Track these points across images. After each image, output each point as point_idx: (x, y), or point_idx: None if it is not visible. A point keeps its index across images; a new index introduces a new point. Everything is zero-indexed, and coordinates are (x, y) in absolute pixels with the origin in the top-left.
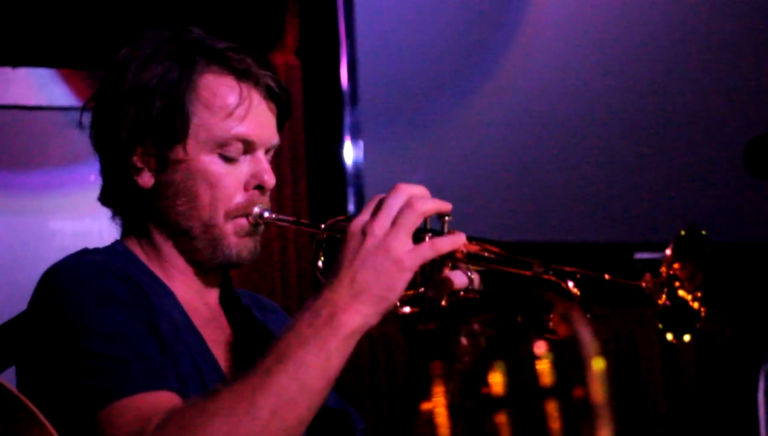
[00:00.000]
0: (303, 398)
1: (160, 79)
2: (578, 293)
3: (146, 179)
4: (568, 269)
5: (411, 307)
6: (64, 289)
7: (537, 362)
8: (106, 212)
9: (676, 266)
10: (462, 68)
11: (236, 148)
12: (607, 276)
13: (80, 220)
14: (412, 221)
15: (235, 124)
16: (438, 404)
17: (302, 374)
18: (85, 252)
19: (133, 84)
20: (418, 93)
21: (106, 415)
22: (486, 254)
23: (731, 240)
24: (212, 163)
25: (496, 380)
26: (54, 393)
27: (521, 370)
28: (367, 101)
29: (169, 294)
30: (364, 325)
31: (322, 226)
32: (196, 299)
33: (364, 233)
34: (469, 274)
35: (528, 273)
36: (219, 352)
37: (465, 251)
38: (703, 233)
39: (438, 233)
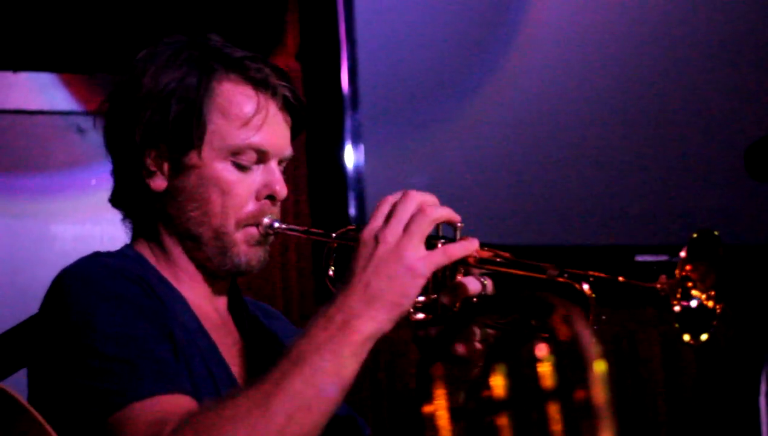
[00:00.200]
0: (318, 403)
1: (178, 83)
2: (593, 296)
3: (159, 183)
4: (582, 272)
5: (424, 313)
6: (77, 291)
7: (539, 364)
8: (106, 216)
9: (688, 267)
10: (462, 71)
11: (250, 157)
12: (621, 278)
13: (81, 224)
14: (424, 228)
15: (251, 133)
16: (439, 407)
17: (317, 380)
18: (97, 255)
19: (151, 87)
20: (419, 96)
21: (120, 418)
22: (499, 260)
23: (732, 242)
24: (225, 170)
25: (498, 383)
26: (67, 396)
27: (523, 372)
28: (368, 104)
29: (180, 299)
30: (378, 331)
31: (333, 235)
32: (206, 304)
33: (376, 240)
34: (483, 280)
35: (542, 276)
36: (230, 357)
37: (477, 256)
38: (716, 233)
39: (450, 239)
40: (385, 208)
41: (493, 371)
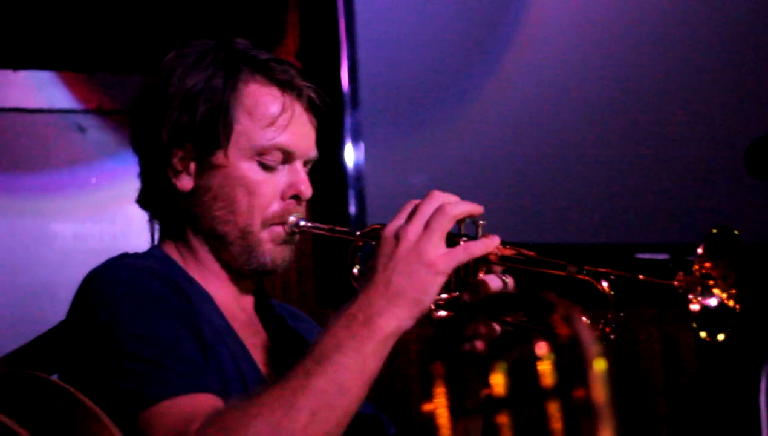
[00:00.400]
0: (341, 400)
1: (204, 84)
2: (612, 293)
3: (185, 183)
4: (601, 269)
5: (447, 311)
6: (105, 291)
7: (538, 362)
8: (107, 215)
9: (707, 264)
10: (463, 71)
11: (275, 157)
12: (641, 276)
13: (81, 223)
14: (445, 225)
15: (277, 133)
16: (439, 406)
17: (340, 377)
18: (124, 256)
19: (178, 88)
20: (419, 95)
21: (146, 417)
22: (520, 257)
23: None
24: (251, 170)
25: (498, 381)
26: (96, 396)
27: (522, 370)
28: (368, 103)
29: (208, 298)
30: (400, 328)
31: (358, 233)
32: (233, 303)
33: (397, 237)
34: (504, 277)
35: (562, 274)
36: (258, 356)
37: (499, 253)
38: (736, 232)
39: (473, 237)
40: (408, 208)
41: (493, 370)
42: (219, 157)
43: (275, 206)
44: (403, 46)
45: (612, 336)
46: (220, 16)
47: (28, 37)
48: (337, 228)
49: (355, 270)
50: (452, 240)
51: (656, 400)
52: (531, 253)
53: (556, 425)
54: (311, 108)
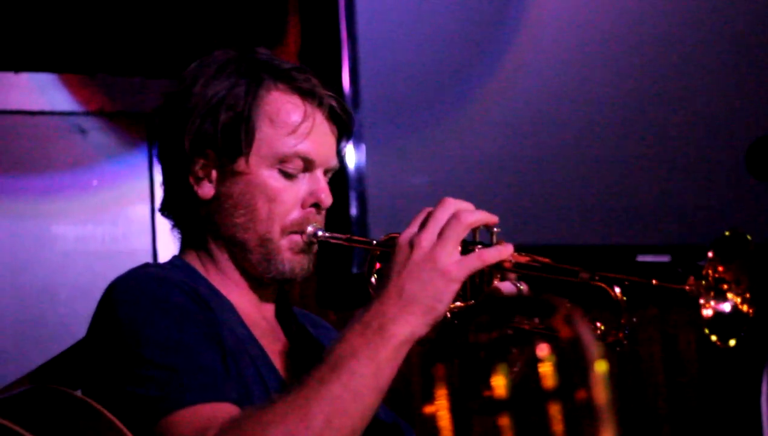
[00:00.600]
0: (355, 407)
1: (227, 92)
2: (624, 299)
3: (207, 190)
4: (614, 275)
5: (462, 318)
6: (125, 300)
7: (540, 364)
8: (108, 217)
9: (720, 268)
10: (463, 71)
11: (296, 165)
12: (655, 281)
13: (82, 225)
14: (459, 233)
15: (298, 141)
16: (441, 407)
17: (354, 384)
18: (146, 266)
19: (200, 97)
20: (421, 95)
21: (163, 425)
22: (534, 264)
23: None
24: (271, 177)
25: (499, 383)
26: (117, 404)
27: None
28: (369, 104)
29: (230, 306)
30: (413, 335)
31: (374, 242)
32: (255, 311)
33: (411, 245)
34: (519, 284)
35: (575, 280)
36: (279, 362)
37: (513, 261)
38: (749, 237)
39: (487, 244)
40: (422, 215)
41: (494, 372)
42: (240, 165)
43: (295, 214)
44: (404, 47)
45: (625, 342)
46: (222, 16)
47: (29, 39)
48: (355, 238)
49: (374, 279)
50: (467, 248)
51: (657, 400)
52: (545, 259)
53: (557, 426)
54: (333, 118)
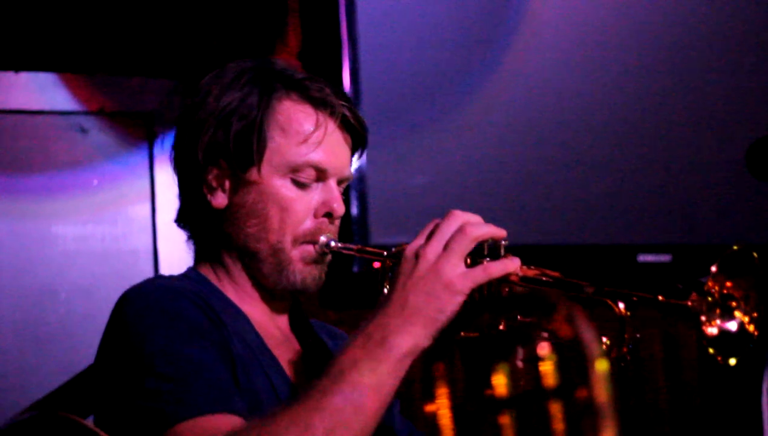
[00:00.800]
0: (357, 419)
1: (239, 102)
2: (628, 314)
3: (220, 200)
4: (620, 290)
5: (471, 332)
6: (135, 312)
7: (540, 363)
8: (108, 216)
9: (728, 284)
10: (463, 71)
11: (309, 174)
12: (661, 297)
13: (82, 224)
14: (465, 246)
15: (310, 150)
16: (441, 406)
17: (356, 396)
18: (159, 277)
19: (213, 107)
20: (421, 96)
21: None
22: (541, 278)
23: (734, 242)
24: (284, 187)
25: (500, 381)
26: (125, 416)
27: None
28: (370, 104)
29: (243, 317)
30: (416, 346)
31: (385, 253)
32: (268, 322)
33: (417, 257)
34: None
35: (582, 295)
36: (292, 373)
37: (521, 274)
38: (755, 254)
39: (495, 257)
40: (429, 227)
41: (495, 370)
42: (253, 174)
43: (308, 224)
44: (404, 47)
45: (628, 357)
46: (223, 17)
47: (29, 39)
48: (367, 249)
49: (386, 290)
50: (475, 261)
51: (657, 400)
52: (556, 273)
53: (558, 425)
54: (346, 127)
